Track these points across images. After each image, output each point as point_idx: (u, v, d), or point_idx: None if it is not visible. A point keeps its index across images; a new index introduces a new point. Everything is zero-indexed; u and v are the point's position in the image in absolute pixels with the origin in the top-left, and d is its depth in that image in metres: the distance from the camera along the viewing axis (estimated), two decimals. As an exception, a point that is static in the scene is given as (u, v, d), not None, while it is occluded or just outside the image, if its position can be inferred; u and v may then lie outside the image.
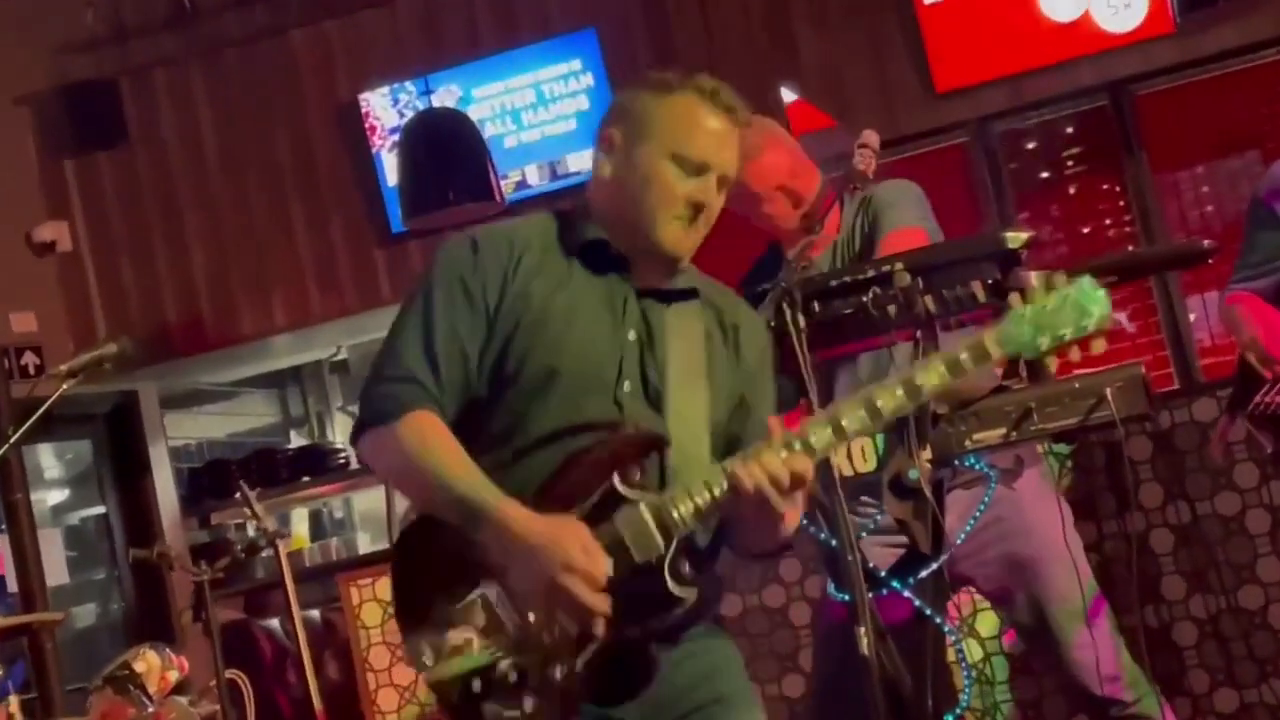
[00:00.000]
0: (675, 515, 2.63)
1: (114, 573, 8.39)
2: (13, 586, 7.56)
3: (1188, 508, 5.23)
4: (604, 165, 2.88)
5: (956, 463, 3.40)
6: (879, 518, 3.53)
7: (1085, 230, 7.29)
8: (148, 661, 4.48)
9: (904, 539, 3.40)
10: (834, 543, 3.16)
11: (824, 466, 3.03)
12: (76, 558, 8.31)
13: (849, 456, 3.31)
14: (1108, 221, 7.27)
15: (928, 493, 3.26)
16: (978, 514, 3.58)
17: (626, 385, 2.78)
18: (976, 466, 3.53)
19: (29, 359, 7.96)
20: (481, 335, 2.78)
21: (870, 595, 3.09)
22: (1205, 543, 5.20)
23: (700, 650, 2.83)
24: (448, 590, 2.69)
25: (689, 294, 2.89)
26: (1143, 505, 5.22)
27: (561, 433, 2.74)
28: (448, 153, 7.09)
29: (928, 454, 3.28)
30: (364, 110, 7.85)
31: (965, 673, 3.62)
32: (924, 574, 3.36)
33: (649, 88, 2.87)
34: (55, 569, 7.76)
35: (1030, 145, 7.45)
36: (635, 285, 2.86)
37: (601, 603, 2.58)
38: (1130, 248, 6.99)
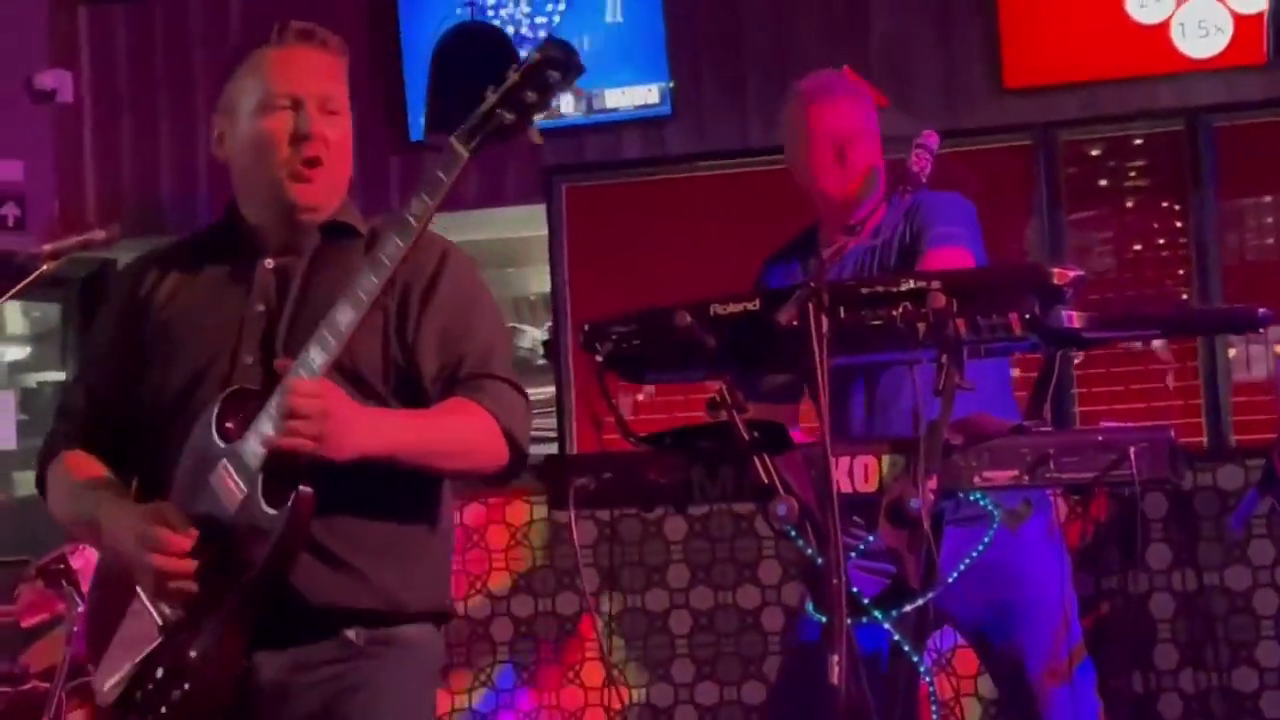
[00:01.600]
0: (245, 452, 2.74)
1: (64, 445, 8.40)
2: (-45, 445, 7.62)
3: (1195, 576, 5.23)
4: (222, 156, 3.04)
5: (961, 496, 3.39)
6: (870, 540, 3.53)
7: (1136, 248, 7.25)
8: (85, 558, 4.49)
9: (891, 568, 3.40)
10: (820, 560, 3.15)
11: (823, 480, 3.05)
12: (28, 422, 8.33)
13: (850, 474, 3.30)
14: (1161, 242, 7.24)
15: (926, 524, 3.26)
16: (974, 554, 3.57)
17: (248, 359, 2.89)
18: (981, 503, 3.52)
19: (9, 210, 7.96)
20: (119, 364, 3.00)
21: (849, 622, 3.09)
22: (1207, 615, 5.20)
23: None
24: (118, 613, 2.86)
25: (341, 232, 3.01)
26: (1148, 565, 5.22)
27: (191, 423, 2.86)
28: (482, 72, 7.03)
29: (933, 483, 3.26)
30: (399, 10, 7.83)
31: (934, 711, 3.63)
32: (908, 608, 3.35)
33: (230, 74, 3.01)
34: (4, 433, 7.80)
35: (1094, 153, 7.41)
36: (271, 254, 2.97)
37: (175, 563, 2.72)
38: (1182, 292, 6.93)
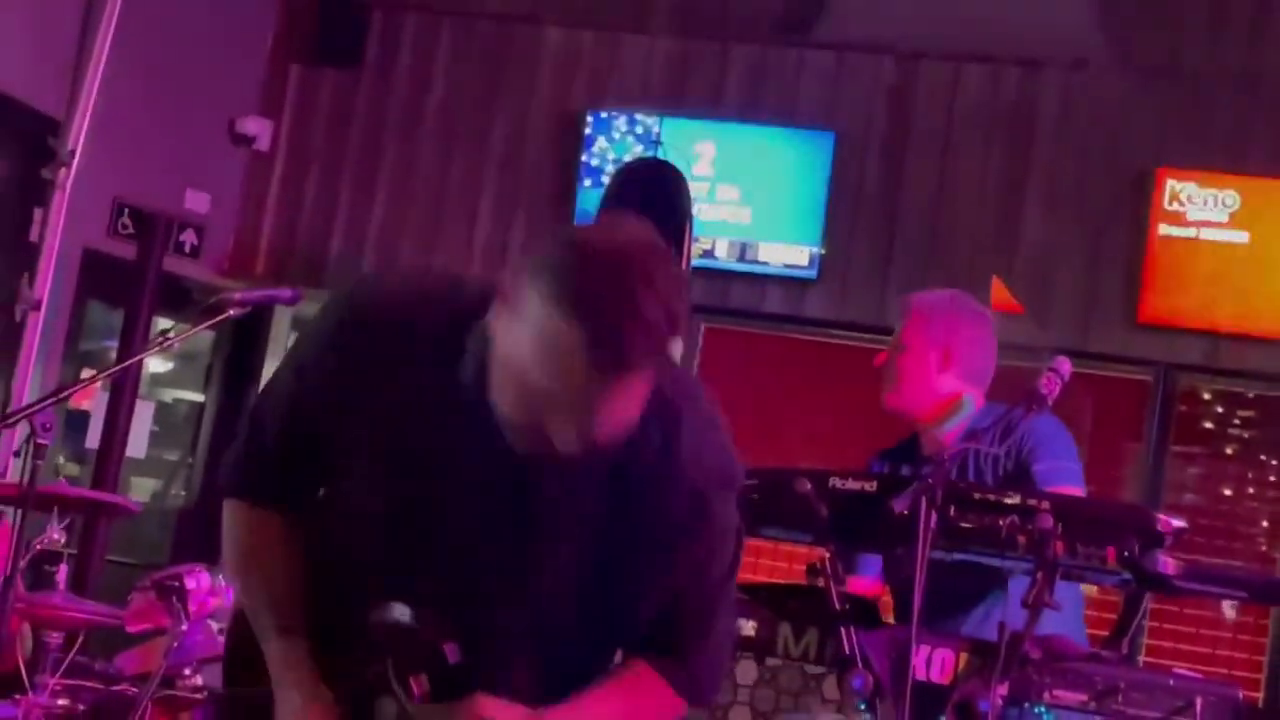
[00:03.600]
0: None
1: (188, 461, 8.57)
2: (92, 442, 7.78)
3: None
4: (491, 323, 2.31)
5: (1027, 707, 3.42)
6: (935, 729, 3.56)
7: (1226, 492, 7.24)
8: (199, 580, 4.59)
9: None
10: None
11: (900, 661, 3.10)
12: (158, 433, 8.50)
13: (927, 663, 3.34)
14: (1250, 492, 7.22)
15: (990, 726, 3.29)
16: (1029, 767, 3.59)
17: (483, 547, 2.44)
18: (1045, 718, 3.55)
19: (188, 237, 8.17)
20: (335, 432, 2.47)
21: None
22: None
23: None
24: (256, 674, 2.57)
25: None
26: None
27: (379, 583, 2.45)
28: (653, 203, 7.19)
29: (1004, 689, 3.29)
30: (587, 127, 8.01)
31: None
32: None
33: (539, 271, 2.21)
34: (136, 440, 7.96)
35: (1206, 397, 7.43)
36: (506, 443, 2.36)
37: None
38: (1266, 548, 6.89)
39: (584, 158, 7.99)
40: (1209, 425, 7.41)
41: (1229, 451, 7.36)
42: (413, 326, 2.44)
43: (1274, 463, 7.20)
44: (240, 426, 2.61)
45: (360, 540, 2.50)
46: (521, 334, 2.23)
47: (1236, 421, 7.39)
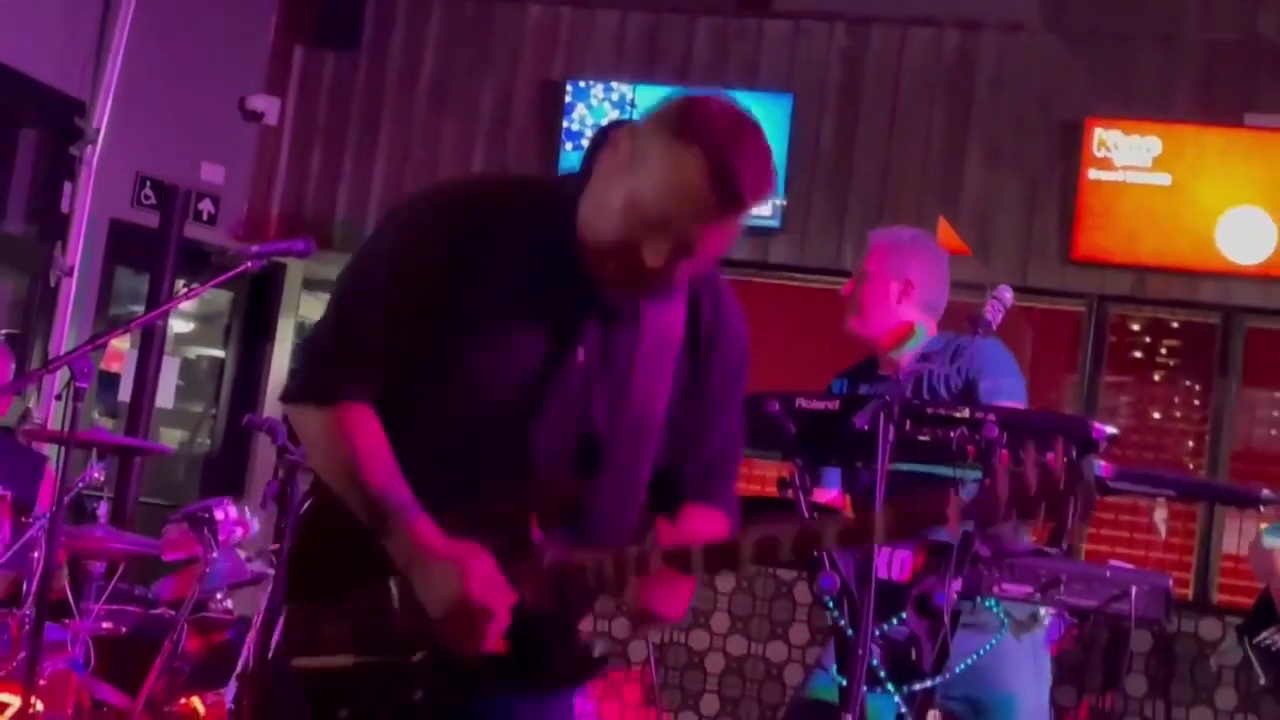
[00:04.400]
0: (576, 581, 2.36)
1: (211, 412, 8.57)
2: (124, 396, 7.78)
3: (1164, 709, 5.24)
4: (600, 164, 2.37)
5: (978, 600, 3.45)
6: (894, 623, 3.58)
7: (1155, 416, 7.28)
8: (226, 511, 4.62)
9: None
10: (850, 632, 3.23)
11: (865, 566, 3.13)
12: (183, 387, 8.50)
13: (888, 564, 3.37)
14: (1178, 415, 7.26)
15: (946, 618, 3.32)
16: (981, 653, 3.62)
17: (554, 412, 2.41)
18: (995, 610, 3.58)
19: (205, 206, 8.15)
20: (421, 324, 2.40)
21: (864, 690, 3.16)
22: (1170, 745, 5.23)
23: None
24: (341, 576, 2.44)
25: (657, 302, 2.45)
26: (1126, 691, 5.23)
27: (478, 454, 2.42)
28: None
29: (958, 585, 3.33)
30: (567, 96, 7.98)
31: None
32: (917, 687, 3.41)
33: (665, 124, 2.31)
34: (165, 393, 7.96)
35: (1135, 328, 7.46)
36: (598, 302, 2.41)
37: (494, 638, 2.31)
38: (1192, 462, 6.94)
39: (565, 124, 7.95)
40: (1138, 355, 7.44)
41: (1156, 378, 7.39)
42: (502, 199, 2.46)
43: (1197, 386, 7.23)
44: (313, 340, 2.49)
45: (487, 400, 2.40)
46: (640, 169, 2.29)
47: (1163, 350, 7.42)
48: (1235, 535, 6.72)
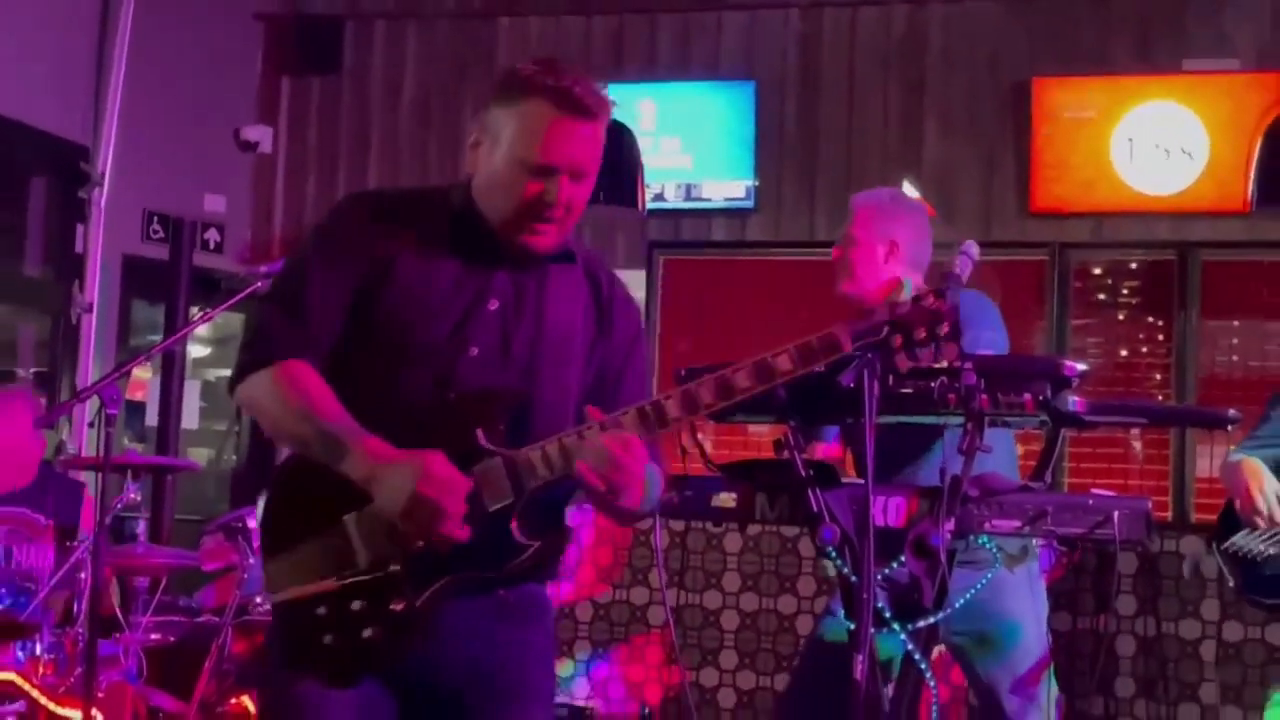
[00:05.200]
0: (527, 469, 2.50)
1: (234, 429, 8.58)
2: (151, 420, 7.79)
3: (1154, 624, 5.27)
4: (472, 165, 2.69)
5: (971, 539, 3.47)
6: (894, 567, 3.61)
7: (1123, 354, 7.29)
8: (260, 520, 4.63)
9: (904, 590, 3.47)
10: (853, 578, 3.25)
11: (863, 515, 3.14)
12: (206, 408, 8.50)
13: (884, 511, 3.38)
14: (1144, 351, 7.28)
15: (943, 557, 3.34)
16: (979, 587, 3.64)
17: (474, 350, 2.61)
18: (988, 547, 3.60)
19: (211, 235, 8.15)
20: (350, 293, 2.61)
21: (872, 630, 3.18)
22: (1161, 657, 5.24)
23: (512, 633, 2.66)
24: (311, 525, 2.54)
25: (565, 258, 2.72)
26: (1117, 611, 5.26)
27: (413, 390, 2.58)
28: (608, 159, 7.19)
29: (950, 525, 3.34)
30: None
31: (934, 710, 3.70)
32: (921, 624, 3.43)
33: (500, 97, 2.62)
34: (189, 415, 7.97)
35: (1097, 272, 7.47)
36: (506, 261, 2.66)
37: (456, 511, 2.43)
38: (1161, 395, 6.96)
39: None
40: (1101, 297, 7.46)
41: (1120, 318, 7.40)
42: (410, 196, 2.76)
43: (1160, 322, 7.25)
44: (258, 316, 2.71)
45: (418, 352, 2.60)
46: (501, 139, 2.59)
47: (1124, 290, 7.43)
48: (1207, 459, 6.75)
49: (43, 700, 4.60)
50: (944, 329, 2.68)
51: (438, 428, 2.53)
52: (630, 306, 2.85)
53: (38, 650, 4.67)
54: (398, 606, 2.49)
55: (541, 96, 2.56)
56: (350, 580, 2.51)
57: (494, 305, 2.65)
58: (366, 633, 2.50)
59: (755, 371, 2.61)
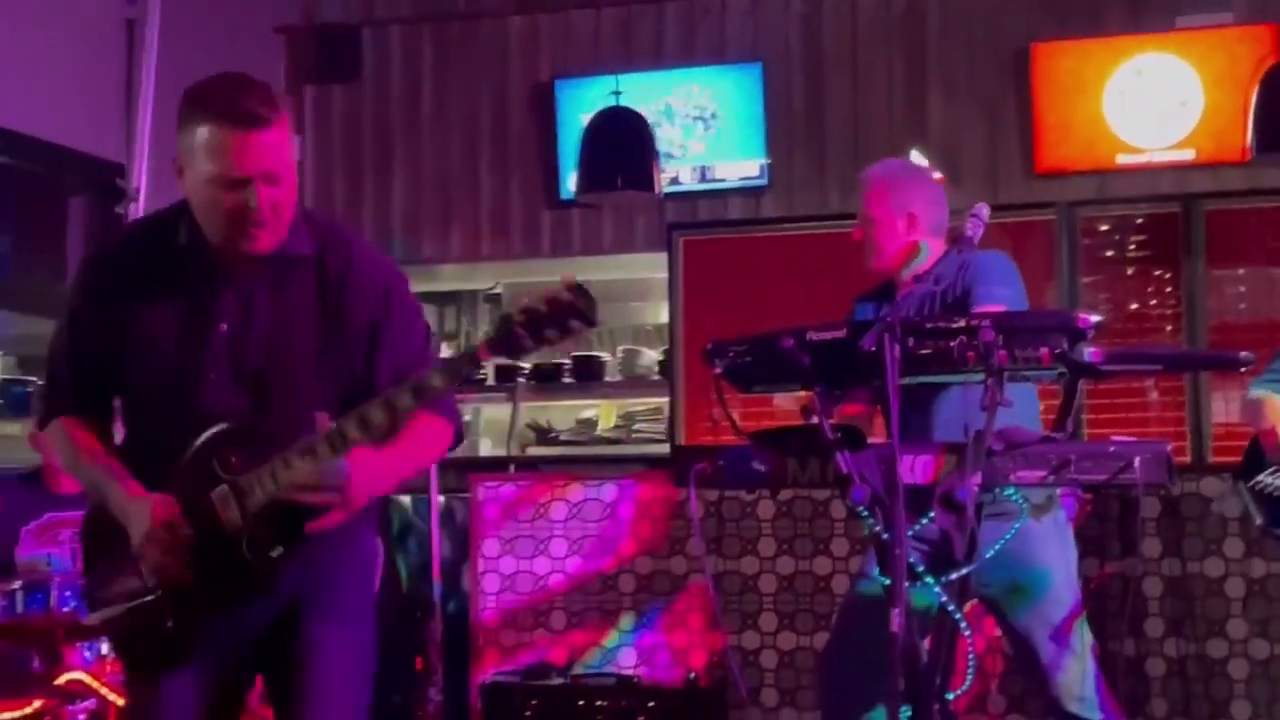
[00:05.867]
0: (249, 493, 2.68)
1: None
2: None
3: (1179, 564, 5.25)
4: (183, 189, 2.80)
5: (997, 490, 3.45)
6: (925, 522, 3.59)
7: (1133, 307, 7.25)
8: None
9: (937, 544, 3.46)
10: (885, 535, 3.24)
11: (891, 473, 3.13)
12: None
13: (911, 469, 3.36)
14: (1154, 303, 7.23)
15: (970, 510, 3.33)
16: (1007, 537, 3.62)
17: (212, 375, 2.76)
18: (1014, 498, 3.59)
19: (246, 243, 8.15)
20: (99, 351, 2.84)
21: (906, 584, 3.17)
22: (1188, 596, 5.22)
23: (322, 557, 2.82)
24: (113, 551, 2.81)
25: (294, 258, 2.80)
26: (1143, 554, 5.25)
27: (165, 427, 2.78)
28: (623, 147, 7.23)
29: (977, 478, 3.33)
30: (557, 94, 7.97)
31: (970, 661, 3.69)
32: (953, 576, 3.42)
33: (181, 125, 2.74)
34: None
35: (1104, 228, 7.42)
36: (231, 277, 2.78)
37: (172, 566, 2.69)
38: (1172, 344, 6.92)
39: (559, 119, 7.93)
40: (1110, 253, 7.40)
41: (1130, 272, 7.35)
42: (138, 238, 2.94)
43: (1168, 274, 7.20)
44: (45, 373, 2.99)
45: (160, 383, 2.78)
46: (193, 164, 2.69)
47: (1132, 245, 7.38)
48: (1221, 403, 6.71)
49: (112, 697, 4.65)
50: (574, 323, 2.62)
51: (187, 462, 2.73)
52: (366, 279, 2.83)
53: (103, 650, 4.72)
54: (169, 625, 2.77)
55: (211, 119, 2.67)
56: (135, 603, 2.79)
57: (223, 328, 2.77)
58: (155, 639, 2.79)
59: (412, 390, 2.66)
